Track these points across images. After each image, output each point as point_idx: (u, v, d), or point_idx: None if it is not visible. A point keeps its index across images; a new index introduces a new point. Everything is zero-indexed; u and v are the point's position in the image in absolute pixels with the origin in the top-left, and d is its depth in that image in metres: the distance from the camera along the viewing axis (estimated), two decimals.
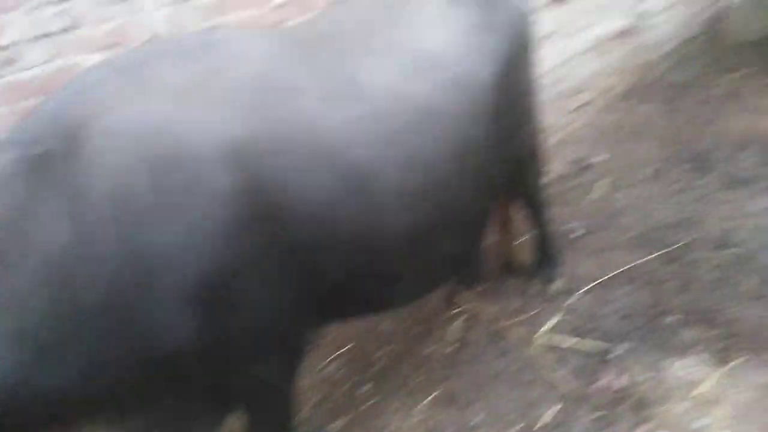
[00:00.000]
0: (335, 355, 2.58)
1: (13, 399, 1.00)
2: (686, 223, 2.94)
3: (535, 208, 2.56)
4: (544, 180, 2.57)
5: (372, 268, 1.45)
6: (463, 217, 1.60)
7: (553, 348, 2.41)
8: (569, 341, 2.40)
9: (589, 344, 2.36)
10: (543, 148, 2.38)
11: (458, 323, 2.64)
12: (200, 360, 1.20)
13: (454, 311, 2.70)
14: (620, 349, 2.30)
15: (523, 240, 2.86)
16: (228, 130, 1.16)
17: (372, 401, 2.33)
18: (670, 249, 2.76)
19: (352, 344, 2.64)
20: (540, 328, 2.49)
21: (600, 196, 3.39)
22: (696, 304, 2.42)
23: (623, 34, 4.56)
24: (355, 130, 1.32)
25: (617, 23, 4.52)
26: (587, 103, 4.29)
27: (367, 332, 2.69)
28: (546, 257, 2.73)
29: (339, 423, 2.25)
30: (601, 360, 2.29)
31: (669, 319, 2.39)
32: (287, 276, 1.31)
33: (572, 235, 3.08)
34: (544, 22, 3.98)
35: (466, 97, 1.48)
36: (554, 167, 3.75)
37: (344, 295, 1.50)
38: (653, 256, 2.74)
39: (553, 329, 2.48)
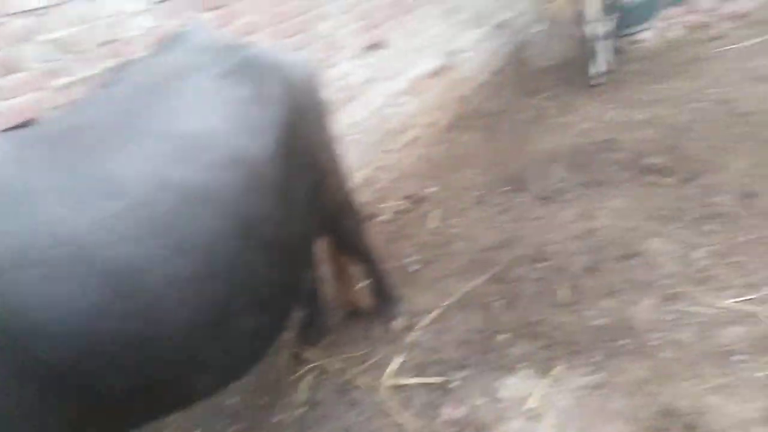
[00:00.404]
0: None
1: None
2: (507, 242, 3.16)
3: (361, 254, 2.60)
4: (363, 225, 2.62)
5: (161, 366, 1.35)
6: (264, 290, 1.56)
7: (399, 388, 2.42)
8: (413, 380, 2.43)
9: (431, 379, 2.41)
10: (353, 197, 2.43)
11: (305, 383, 2.57)
12: None
13: (301, 372, 2.64)
14: (459, 377, 2.38)
15: (363, 285, 2.88)
16: None
17: None
18: (495, 270, 2.94)
19: (198, 430, 2.46)
20: (385, 371, 2.51)
21: (434, 226, 3.55)
22: (522, 320, 2.58)
23: (439, 72, 4.92)
24: (111, 228, 1.23)
25: (432, 62, 4.88)
26: (415, 139, 4.53)
27: (214, 414, 2.53)
28: (384, 299, 2.78)
29: None
30: (443, 393, 2.34)
31: (500, 339, 2.52)
32: (56, 396, 1.18)
33: (411, 269, 3.18)
34: (363, 68, 4.19)
35: (240, 173, 1.46)
36: (391, 204, 3.90)
37: (141, 399, 1.38)
38: (481, 279, 2.90)
39: (398, 370, 2.51)
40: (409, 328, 2.73)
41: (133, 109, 1.45)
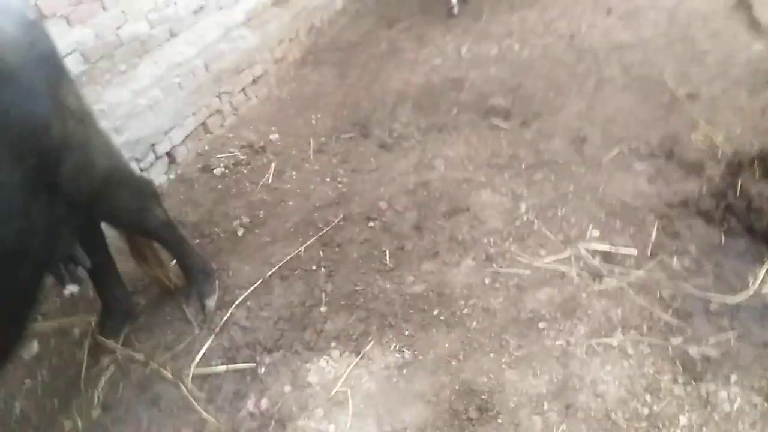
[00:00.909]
0: None
1: None
2: (341, 199, 2.94)
3: (149, 232, 2.26)
4: (147, 200, 2.24)
5: None
6: None
7: (207, 378, 2.20)
8: (220, 367, 2.21)
9: (240, 365, 2.20)
10: (124, 170, 2.05)
11: (105, 380, 2.27)
12: None
13: (101, 366, 2.33)
14: (269, 362, 2.19)
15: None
16: None
17: None
18: (323, 232, 2.73)
19: None
20: (194, 359, 2.27)
21: (269, 182, 3.24)
22: (342, 290, 2.41)
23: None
24: None
25: None
26: (256, 79, 4.08)
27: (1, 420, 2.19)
28: (194, 275, 2.48)
29: None
30: (252, 380, 2.15)
31: (317, 313, 2.34)
32: None
33: (238, 233, 2.89)
34: None
35: None
36: (226, 155, 3.52)
37: None
38: (307, 243, 2.68)
39: (206, 357, 2.27)
40: (224, 306, 2.47)
41: None
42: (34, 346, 2.51)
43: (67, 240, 1.88)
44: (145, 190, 2.15)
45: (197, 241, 2.85)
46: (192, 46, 3.55)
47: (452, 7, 4.73)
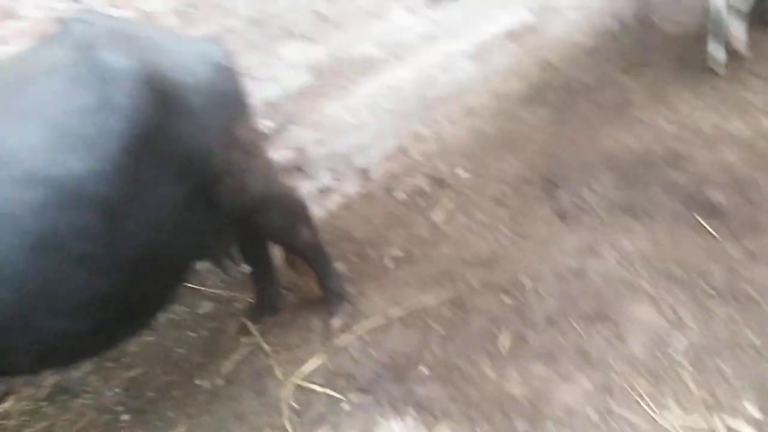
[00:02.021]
0: (113, 384, 2.67)
1: None
2: (492, 261, 2.87)
3: (295, 250, 2.54)
4: (298, 220, 2.49)
5: None
6: (73, 297, 1.63)
7: (303, 390, 2.43)
8: (318, 387, 2.42)
9: (333, 392, 2.37)
10: (279, 191, 2.31)
11: (236, 356, 2.68)
12: None
13: (239, 345, 2.74)
14: (355, 402, 2.32)
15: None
16: None
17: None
18: (460, 292, 2.71)
19: (137, 370, 2.72)
20: (301, 368, 2.52)
21: (437, 220, 3.31)
22: (448, 359, 2.39)
23: (519, 31, 4.31)
24: None
25: (514, 19, 4.27)
26: (468, 111, 4.13)
27: (159, 357, 2.76)
28: (329, 293, 2.72)
29: None
30: (335, 412, 2.31)
31: (415, 371, 2.37)
32: None
33: (388, 263, 3.04)
34: (422, 23, 3.81)
35: (41, 191, 1.49)
36: (409, 182, 3.69)
37: None
38: (440, 298, 2.69)
39: (311, 372, 2.50)
40: (345, 329, 2.67)
41: None
42: (207, 306, 3.07)
43: (224, 242, 2.28)
44: (296, 213, 2.43)
45: (352, 259, 3.08)
46: (410, 70, 3.75)
47: (715, 63, 4.02)
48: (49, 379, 2.70)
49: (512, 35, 4.25)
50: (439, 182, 3.63)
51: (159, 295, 2.03)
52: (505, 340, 2.40)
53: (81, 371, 2.72)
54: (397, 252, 3.09)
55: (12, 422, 2.56)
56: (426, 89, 3.89)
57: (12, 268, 1.49)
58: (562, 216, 3.08)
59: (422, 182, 3.66)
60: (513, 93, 4.34)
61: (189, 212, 1.89)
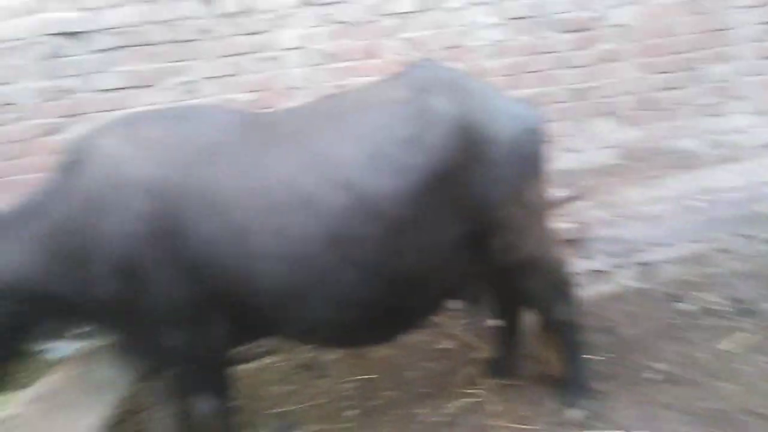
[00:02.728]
0: (350, 379, 2.93)
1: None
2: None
3: (547, 322, 2.40)
4: (560, 295, 2.34)
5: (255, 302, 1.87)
6: (338, 292, 1.86)
7: None
8: None
9: None
10: (552, 264, 2.21)
11: (460, 403, 2.66)
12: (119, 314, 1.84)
13: (469, 390, 2.72)
14: None
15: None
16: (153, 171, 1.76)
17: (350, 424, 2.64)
18: None
19: (372, 375, 2.94)
20: None
21: (726, 348, 2.78)
22: None
23: None
24: (247, 198, 1.76)
25: None
26: None
27: (392, 373, 2.94)
28: (570, 381, 2.50)
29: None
30: None
31: None
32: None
33: (650, 375, 2.67)
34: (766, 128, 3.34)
35: (351, 196, 1.75)
36: (695, 296, 3.20)
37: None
38: None
39: None
40: (580, 426, 2.41)
41: (313, 121, 1.88)
42: (446, 344, 3.14)
43: (479, 289, 2.33)
44: (558, 285, 2.33)
45: (608, 355, 2.79)
46: (736, 176, 3.29)
47: None
48: (305, 354, 3.12)
49: None
50: (740, 306, 3.06)
51: (411, 314, 2.18)
52: None
53: (331, 357, 3.06)
54: (664, 366, 2.69)
55: (265, 376, 3.02)
56: (753, 202, 3.35)
57: (302, 252, 1.78)
58: None
59: (719, 300, 3.13)
60: None
61: (457, 251, 2.00)
